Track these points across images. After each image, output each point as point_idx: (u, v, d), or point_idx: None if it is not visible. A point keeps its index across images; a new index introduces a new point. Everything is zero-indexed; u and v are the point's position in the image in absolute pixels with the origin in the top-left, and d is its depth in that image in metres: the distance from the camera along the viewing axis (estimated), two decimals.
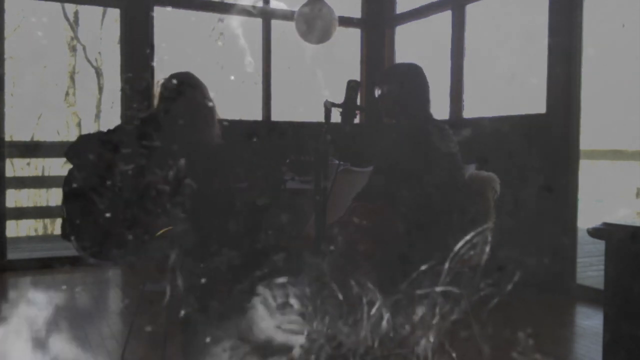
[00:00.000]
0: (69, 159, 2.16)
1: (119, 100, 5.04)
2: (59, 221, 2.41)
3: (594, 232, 1.62)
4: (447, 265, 0.96)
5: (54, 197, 9.36)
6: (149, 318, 2.36)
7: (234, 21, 4.74)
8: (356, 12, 5.29)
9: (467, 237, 0.98)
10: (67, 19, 10.18)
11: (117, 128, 2.28)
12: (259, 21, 4.82)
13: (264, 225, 2.18)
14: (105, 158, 2.05)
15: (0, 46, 4.06)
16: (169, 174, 2.05)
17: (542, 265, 3.35)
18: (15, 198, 9.26)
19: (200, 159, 2.22)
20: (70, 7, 9.97)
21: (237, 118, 5.08)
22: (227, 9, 4.75)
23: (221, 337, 1.07)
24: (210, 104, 2.34)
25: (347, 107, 2.05)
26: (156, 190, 2.03)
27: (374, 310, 0.97)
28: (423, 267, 0.99)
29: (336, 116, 2.08)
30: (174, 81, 2.31)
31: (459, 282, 0.96)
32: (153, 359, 2.40)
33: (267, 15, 4.81)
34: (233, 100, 7.49)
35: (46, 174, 9.61)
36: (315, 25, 4.27)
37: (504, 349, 1.01)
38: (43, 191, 9.99)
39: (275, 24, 4.86)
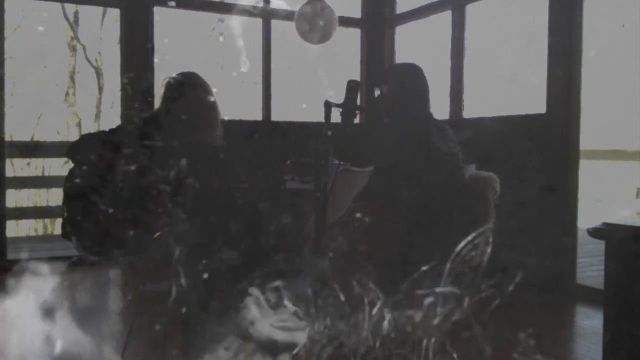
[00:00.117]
0: (71, 158, 2.16)
1: (119, 100, 5.05)
2: (59, 221, 2.41)
3: (594, 232, 1.62)
4: (448, 265, 0.96)
5: (54, 197, 9.36)
6: (149, 318, 2.36)
7: (234, 21, 4.74)
8: (356, 12, 5.30)
9: (469, 238, 0.98)
10: (67, 19, 10.18)
11: (118, 128, 2.29)
12: (259, 21, 4.82)
13: (264, 225, 2.18)
14: (106, 158, 2.05)
15: (0, 46, 4.06)
16: (170, 174, 2.05)
17: (542, 265, 3.35)
18: (15, 198, 9.26)
19: (201, 159, 2.22)
20: (70, 7, 9.98)
21: (237, 118, 5.09)
22: (227, 8, 4.75)
23: (221, 336, 1.07)
24: (212, 103, 2.33)
25: (347, 107, 2.05)
26: (157, 190, 2.04)
27: (375, 311, 0.97)
28: (424, 268, 0.99)
29: (336, 116, 2.08)
30: (176, 81, 2.32)
31: (460, 282, 0.96)
32: (153, 359, 2.40)
33: (267, 15, 4.81)
34: (233, 100, 7.50)
35: (46, 174, 9.62)
36: (316, 24, 4.27)
37: (504, 349, 1.01)
38: (43, 191, 9.99)
39: (275, 24, 4.86)
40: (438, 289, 0.96)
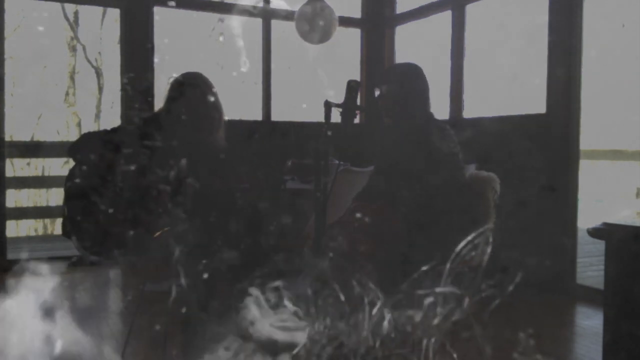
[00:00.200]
0: (72, 156, 2.16)
1: (119, 100, 5.04)
2: (59, 221, 2.41)
3: (594, 232, 1.62)
4: (448, 265, 0.96)
5: (54, 197, 9.37)
6: (149, 318, 2.36)
7: (234, 21, 4.74)
8: (356, 12, 5.29)
9: (469, 238, 0.98)
10: (67, 19, 10.19)
11: (119, 128, 2.29)
12: (259, 21, 4.82)
13: (264, 225, 2.18)
14: (106, 158, 2.05)
15: (0, 46, 4.06)
16: (170, 174, 2.05)
17: (542, 265, 3.35)
18: (15, 198, 9.27)
19: (201, 159, 2.22)
20: (70, 7, 9.98)
21: (237, 118, 5.08)
22: (227, 8, 4.75)
23: (221, 336, 1.07)
24: (214, 103, 2.33)
25: (347, 107, 2.05)
26: (157, 190, 2.04)
27: (375, 311, 0.97)
28: (424, 268, 0.99)
29: (336, 116, 2.08)
30: (177, 81, 2.32)
31: (460, 282, 0.96)
32: (153, 359, 2.40)
33: (267, 15, 4.81)
34: (233, 100, 7.49)
35: (46, 174, 9.62)
36: (316, 24, 4.27)
37: (504, 349, 1.01)
38: (43, 191, 10.00)
39: (275, 24, 4.86)
40: (438, 289, 0.96)
